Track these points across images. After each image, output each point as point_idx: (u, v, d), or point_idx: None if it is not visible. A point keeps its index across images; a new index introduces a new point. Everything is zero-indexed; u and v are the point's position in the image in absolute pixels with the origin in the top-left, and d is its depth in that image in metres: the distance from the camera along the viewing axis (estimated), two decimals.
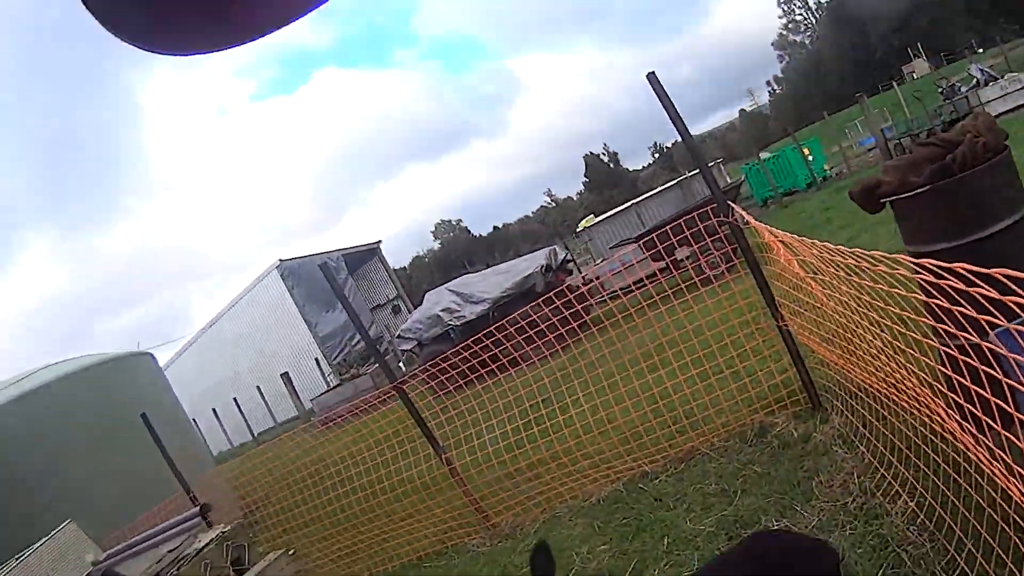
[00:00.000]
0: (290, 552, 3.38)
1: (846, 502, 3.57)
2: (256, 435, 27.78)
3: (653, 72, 4.55)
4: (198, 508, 4.02)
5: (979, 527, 2.71)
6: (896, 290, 2.24)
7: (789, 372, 4.72)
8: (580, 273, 11.21)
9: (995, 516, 2.60)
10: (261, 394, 28.52)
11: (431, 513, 6.24)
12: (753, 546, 2.46)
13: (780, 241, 3.72)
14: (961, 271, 1.76)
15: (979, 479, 2.70)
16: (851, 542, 3.29)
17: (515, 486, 5.94)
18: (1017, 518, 2.39)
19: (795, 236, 3.41)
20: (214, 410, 28.92)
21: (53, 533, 3.77)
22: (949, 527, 2.91)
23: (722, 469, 4.54)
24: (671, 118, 4.58)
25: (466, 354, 5.99)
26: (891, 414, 3.43)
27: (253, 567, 3.40)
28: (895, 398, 3.23)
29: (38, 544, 3.72)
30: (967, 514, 2.78)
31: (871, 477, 3.62)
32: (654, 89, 4.56)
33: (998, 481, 2.34)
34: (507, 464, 6.10)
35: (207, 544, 3.51)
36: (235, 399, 28.61)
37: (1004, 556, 2.53)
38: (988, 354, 1.90)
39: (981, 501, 2.71)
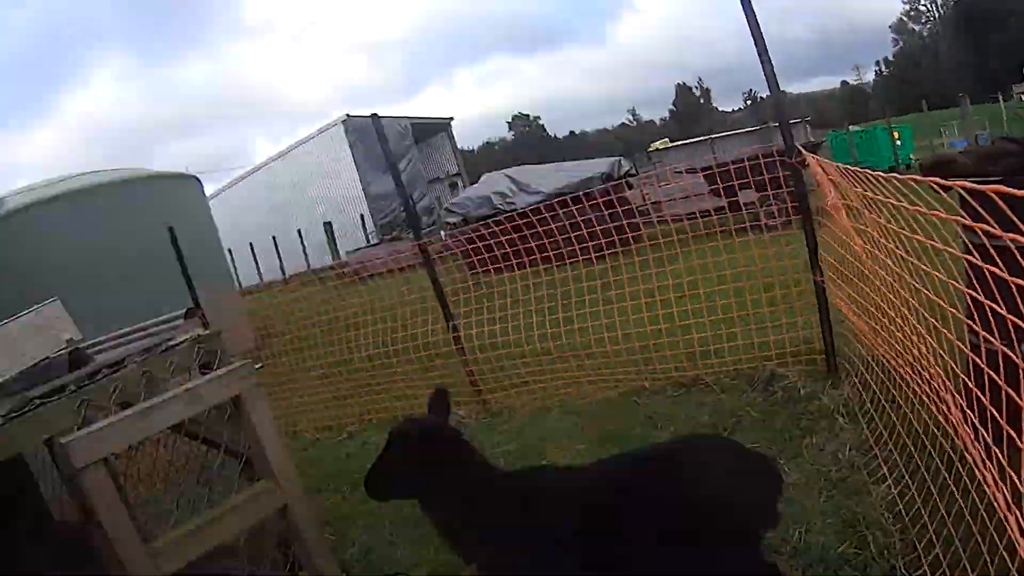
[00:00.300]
0: (257, 366, 3.31)
1: (831, 470, 3.50)
2: (287, 276, 28.07)
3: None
4: (185, 310, 3.94)
5: (953, 532, 2.62)
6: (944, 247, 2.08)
7: (814, 330, 4.57)
8: (640, 190, 10.88)
9: (973, 527, 2.51)
10: (301, 239, 28.62)
11: (428, 377, 6.30)
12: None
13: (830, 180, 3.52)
14: None
15: (968, 483, 2.59)
16: (822, 510, 3.23)
17: (514, 368, 5.94)
18: (995, 535, 2.28)
19: (846, 168, 3.18)
20: (251, 244, 28.73)
21: (36, 307, 3.77)
22: (924, 526, 2.83)
23: (720, 405, 4.48)
24: (758, 50, 4.29)
25: (503, 239, 5.90)
26: (901, 396, 3.29)
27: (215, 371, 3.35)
28: (909, 376, 3.09)
29: (20, 314, 3.72)
30: (945, 517, 2.70)
31: (863, 454, 3.54)
32: (744, 11, 4.26)
33: (986, 490, 2.23)
34: (512, 348, 6.07)
35: (180, 343, 3.46)
36: (273, 238, 28.62)
37: (968, 570, 2.43)
38: None
39: (963, 506, 2.61)
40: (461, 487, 2.68)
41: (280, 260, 27.94)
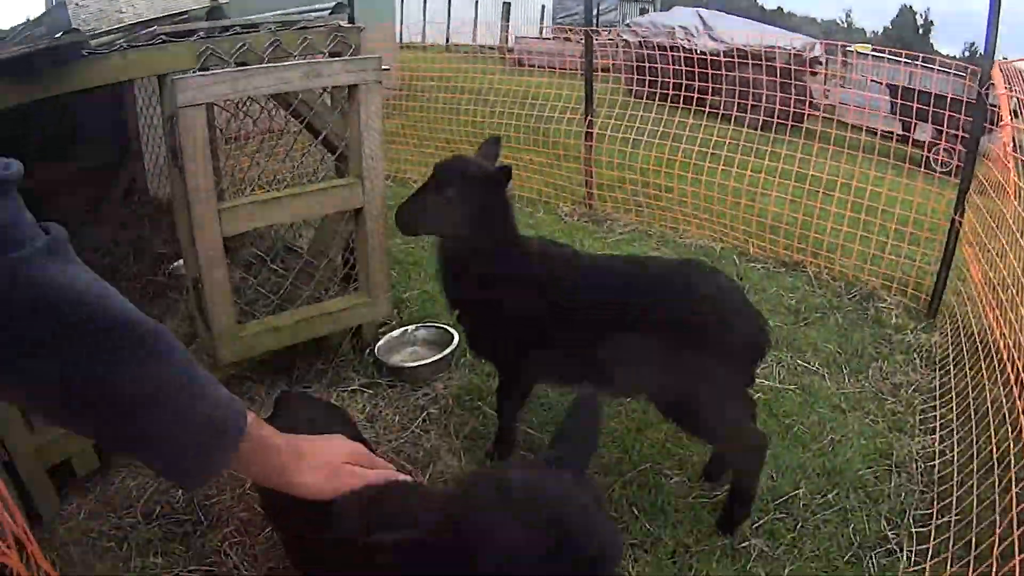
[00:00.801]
0: (384, 68, 3.24)
1: (887, 400, 3.45)
2: (449, 42, 26.85)
3: None
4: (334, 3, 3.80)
5: (975, 515, 2.59)
6: None
7: (930, 269, 4.33)
8: (822, 83, 10.00)
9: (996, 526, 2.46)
10: (476, 10, 27.17)
11: (546, 170, 6.25)
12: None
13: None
14: None
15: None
16: (861, 430, 3.24)
17: (632, 183, 5.85)
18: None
19: None
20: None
21: None
22: (948, 491, 2.82)
23: (810, 295, 4.40)
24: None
25: (670, 70, 5.60)
26: (989, 373, 3.16)
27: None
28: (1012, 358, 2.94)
29: None
30: (975, 499, 2.67)
31: (924, 401, 3.47)
32: None
33: None
34: (637, 168, 5.93)
35: (318, 25, 3.36)
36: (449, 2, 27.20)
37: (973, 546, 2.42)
38: None
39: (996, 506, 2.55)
40: (484, 234, 2.64)
41: (448, 25, 27.05)
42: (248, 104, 3.86)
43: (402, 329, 3.84)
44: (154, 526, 2.67)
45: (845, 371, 3.65)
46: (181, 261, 3.76)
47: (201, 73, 2.88)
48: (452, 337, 3.73)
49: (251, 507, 2.74)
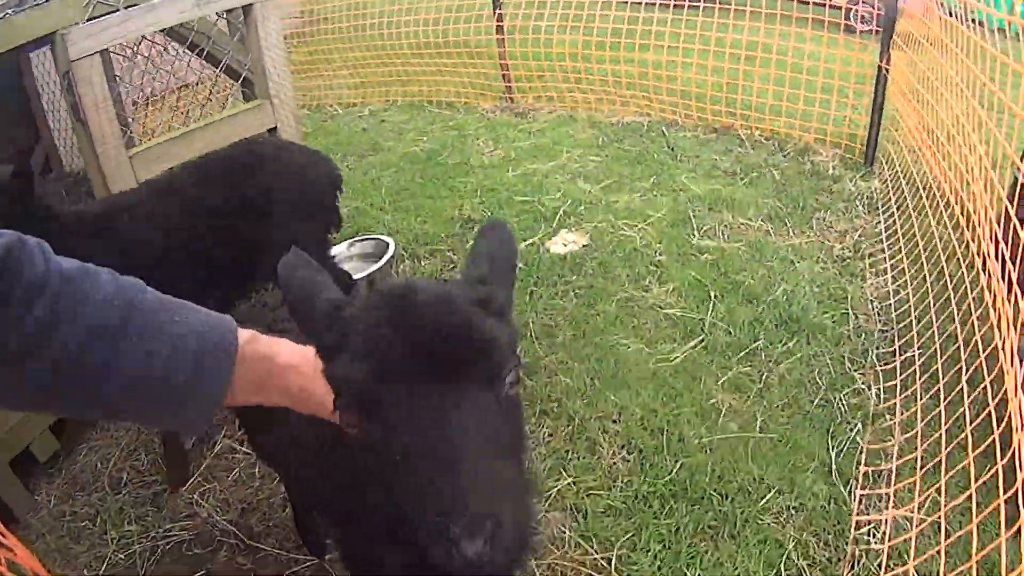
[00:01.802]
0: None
1: (835, 247, 3.27)
2: None
3: None
4: None
5: (937, 341, 2.47)
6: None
7: (861, 120, 4.12)
8: None
9: (962, 348, 2.35)
10: None
11: (462, 72, 5.86)
12: None
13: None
14: None
15: (972, 307, 2.41)
16: (813, 279, 3.08)
17: (551, 72, 5.48)
18: (984, 365, 2.08)
19: None
20: None
21: None
22: (908, 326, 2.66)
23: (745, 157, 4.16)
24: None
25: None
26: (932, 208, 3.00)
27: None
28: (948, 192, 2.78)
29: None
30: (935, 330, 2.56)
31: (872, 245, 3.29)
32: None
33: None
34: (553, 52, 5.56)
35: None
36: None
37: (940, 375, 2.25)
38: None
39: (959, 329, 2.44)
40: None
41: None
42: (150, 55, 3.54)
43: (336, 247, 3.50)
44: (123, 494, 2.49)
45: (788, 224, 3.45)
46: None
47: (90, 22, 2.61)
48: (387, 245, 3.41)
49: (211, 451, 2.59)
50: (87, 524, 2.39)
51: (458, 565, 0.71)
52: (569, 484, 2.21)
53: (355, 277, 3.11)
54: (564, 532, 2.07)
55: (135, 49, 3.45)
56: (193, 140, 2.94)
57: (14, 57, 3.74)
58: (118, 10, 2.66)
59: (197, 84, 4.00)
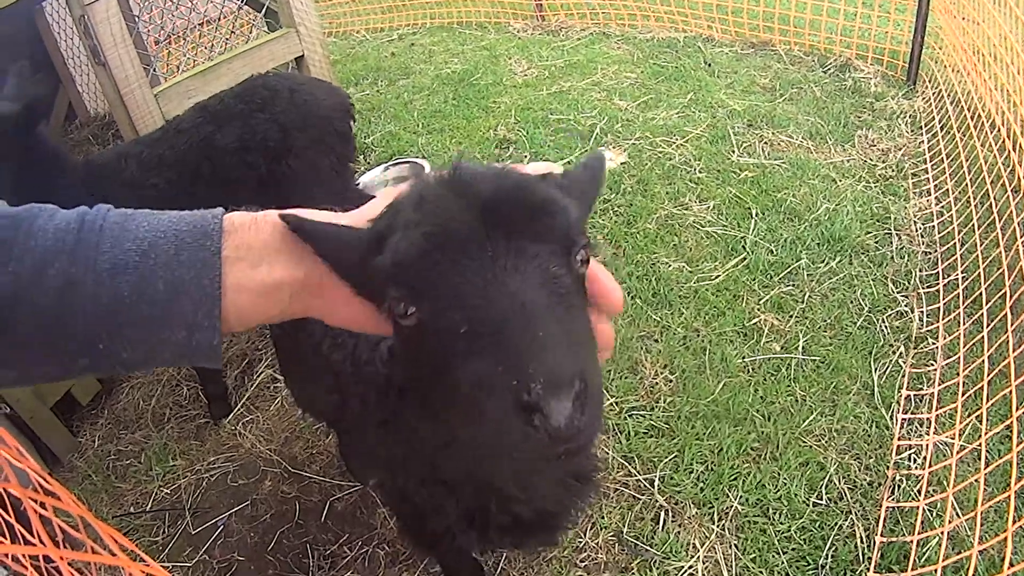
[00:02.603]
0: None
1: (877, 165, 3.09)
2: None
3: None
4: None
5: (982, 265, 2.31)
6: None
7: (904, 36, 3.85)
8: None
9: (1006, 273, 2.18)
10: None
11: None
12: None
13: None
14: None
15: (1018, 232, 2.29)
16: (855, 197, 2.92)
17: None
18: None
19: None
20: None
21: None
22: (952, 248, 2.52)
23: (784, 73, 3.92)
24: None
25: None
26: (977, 129, 2.81)
27: None
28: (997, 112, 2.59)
29: None
30: (979, 253, 2.43)
31: (915, 164, 3.11)
32: None
33: None
34: None
35: None
36: None
37: (984, 301, 2.12)
38: None
39: (1004, 253, 2.27)
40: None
41: None
42: None
43: (371, 172, 3.38)
44: (167, 430, 2.47)
45: (830, 142, 3.26)
46: None
47: None
48: (423, 169, 3.29)
49: (252, 382, 2.56)
50: (132, 462, 2.39)
51: (542, 438, 0.57)
52: (611, 404, 2.15)
53: None
54: (607, 453, 2.02)
55: None
56: (220, 73, 2.83)
57: (27, 6, 3.60)
58: None
59: (220, 19, 3.81)
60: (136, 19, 3.33)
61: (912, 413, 2.06)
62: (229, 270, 0.65)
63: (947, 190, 2.84)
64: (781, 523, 1.81)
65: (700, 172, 3.11)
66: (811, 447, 1.97)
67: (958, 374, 2.07)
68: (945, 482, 1.81)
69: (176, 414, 2.52)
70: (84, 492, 2.31)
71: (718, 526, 1.83)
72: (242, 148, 2.31)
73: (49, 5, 4.30)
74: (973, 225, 2.53)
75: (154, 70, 2.96)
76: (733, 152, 3.21)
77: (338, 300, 0.73)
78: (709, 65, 4.06)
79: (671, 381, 2.19)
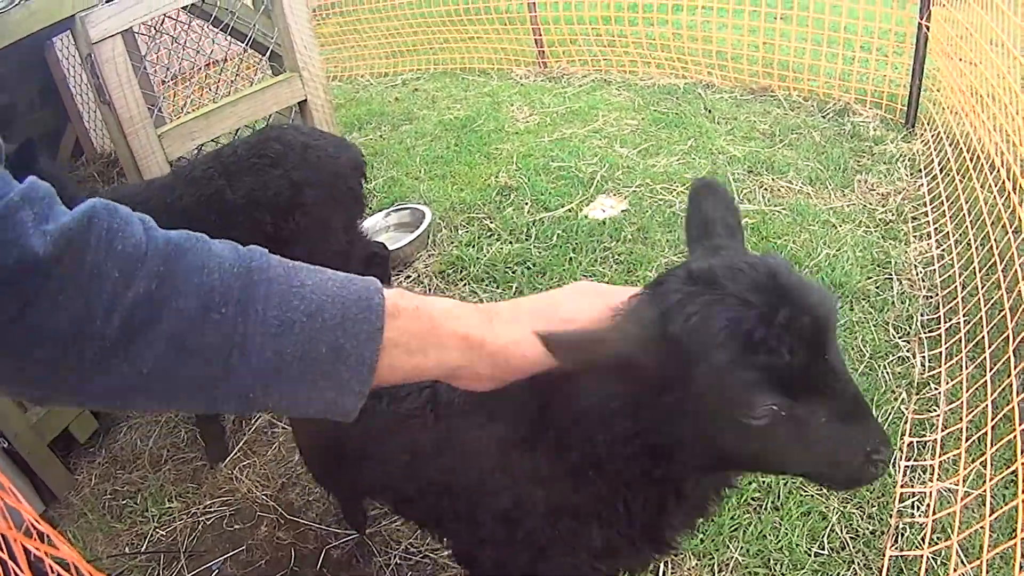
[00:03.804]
0: None
1: (877, 210, 3.16)
2: None
3: None
4: None
5: (983, 309, 2.35)
6: None
7: (902, 79, 3.95)
8: None
9: (1008, 317, 2.23)
10: None
11: (494, 35, 5.73)
12: None
13: None
14: None
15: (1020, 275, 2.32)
16: (856, 242, 2.97)
17: (584, 35, 5.35)
18: None
19: None
20: None
21: None
22: (952, 292, 2.57)
23: (783, 118, 4.02)
24: None
25: None
26: (976, 172, 2.89)
27: None
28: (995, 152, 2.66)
29: None
30: (981, 297, 2.45)
31: (915, 208, 3.18)
32: None
33: None
34: (586, 16, 5.44)
35: None
36: None
37: (987, 345, 2.16)
38: None
39: (1006, 296, 2.30)
40: None
41: None
42: (177, 31, 3.57)
43: (372, 218, 3.46)
44: (164, 471, 2.51)
45: (830, 187, 3.33)
46: None
47: (109, 2, 2.56)
48: (424, 215, 3.38)
49: (250, 427, 2.60)
50: (128, 502, 2.42)
51: (877, 474, 0.86)
52: None
53: (393, 247, 3.08)
54: None
55: (158, 28, 3.43)
56: (223, 116, 2.90)
57: (38, 40, 3.73)
58: None
59: (225, 61, 3.95)
60: (143, 59, 3.47)
61: (915, 460, 2.09)
62: (388, 351, 0.72)
63: (947, 233, 2.90)
64: (782, 574, 1.83)
65: None
66: (812, 496, 1.99)
67: (961, 419, 2.09)
68: (949, 529, 1.83)
69: (173, 456, 2.56)
70: (80, 530, 2.35)
71: None
72: (251, 203, 2.37)
73: (59, 41, 4.44)
74: (974, 268, 2.57)
75: (159, 110, 3.06)
76: (733, 199, 3.27)
77: (484, 379, 0.82)
78: (709, 111, 4.16)
79: None
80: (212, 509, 2.32)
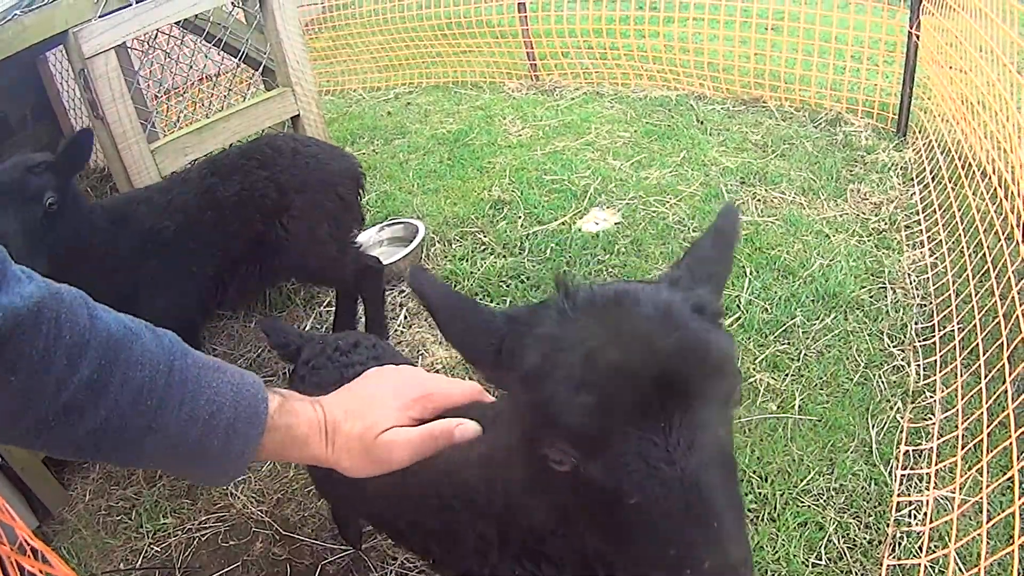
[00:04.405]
0: None
1: (870, 219, 3.18)
2: None
3: None
4: None
5: (977, 316, 2.39)
6: None
7: (893, 88, 4.00)
8: None
9: (1002, 323, 2.25)
10: None
11: (486, 48, 5.75)
12: None
13: None
14: None
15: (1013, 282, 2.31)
16: (849, 252, 3.00)
17: (575, 48, 5.40)
18: None
19: None
20: None
21: None
22: (946, 300, 2.59)
23: (775, 129, 4.06)
24: None
25: None
26: (968, 179, 2.92)
27: None
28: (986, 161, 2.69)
29: None
30: (975, 305, 2.48)
31: (907, 216, 3.21)
32: None
33: None
34: (577, 29, 5.51)
35: None
36: None
37: (981, 351, 2.18)
38: None
39: (999, 303, 2.34)
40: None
41: None
42: (170, 46, 3.62)
43: (366, 233, 3.48)
44: (158, 487, 2.50)
45: (823, 197, 3.37)
46: None
47: (102, 17, 2.59)
48: (417, 230, 3.40)
49: None
50: (122, 518, 2.42)
51: None
52: None
53: (386, 262, 3.09)
54: None
55: (151, 42, 3.45)
56: (216, 131, 2.95)
57: (31, 55, 3.75)
58: (130, 4, 2.65)
59: (218, 76, 3.98)
60: (136, 74, 3.49)
61: (911, 469, 2.11)
62: (267, 447, 0.87)
63: (940, 241, 2.93)
64: None
65: (694, 231, 3.20)
66: (809, 507, 2.01)
67: (957, 427, 2.11)
68: (947, 537, 1.84)
69: (168, 472, 2.57)
70: (74, 546, 2.35)
71: None
72: (240, 202, 2.45)
73: (52, 56, 4.45)
74: (968, 275, 2.60)
75: (152, 125, 3.08)
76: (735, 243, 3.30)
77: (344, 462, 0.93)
78: (701, 123, 4.21)
79: None
80: (207, 525, 2.32)
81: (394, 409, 0.90)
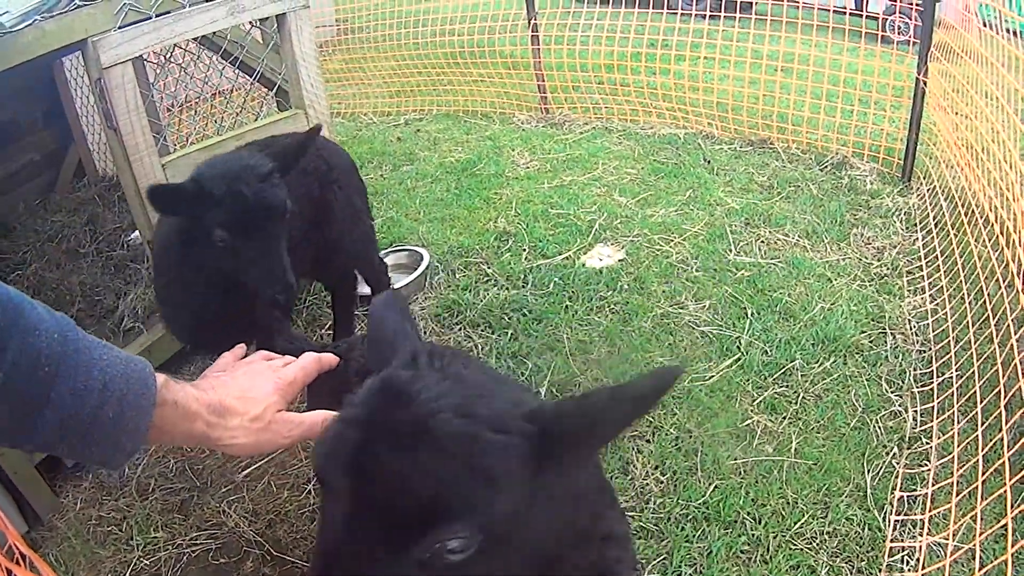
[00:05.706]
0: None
1: (872, 264, 3.26)
2: None
3: None
4: None
5: (976, 365, 2.43)
6: None
7: (899, 133, 4.09)
8: None
9: (1000, 373, 2.31)
10: None
11: (497, 79, 5.89)
12: None
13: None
14: None
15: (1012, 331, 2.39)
16: (850, 296, 3.07)
17: (586, 83, 5.52)
18: None
19: None
20: None
21: None
22: (945, 347, 2.65)
23: (781, 170, 4.15)
24: None
25: None
26: (971, 226, 3.00)
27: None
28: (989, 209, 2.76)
29: None
30: (974, 353, 2.53)
31: (909, 263, 3.28)
32: None
33: None
34: (589, 64, 5.63)
35: None
36: None
37: (979, 400, 2.24)
38: None
39: (998, 353, 2.40)
40: None
41: None
42: (186, 61, 3.64)
43: None
44: (151, 500, 2.54)
45: (826, 240, 3.44)
46: (137, 232, 3.56)
47: (121, 29, 2.63)
48: (422, 257, 3.48)
49: (241, 462, 2.64)
50: (113, 529, 2.45)
51: None
52: None
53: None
54: None
55: (168, 56, 3.54)
56: (227, 148, 2.99)
57: (48, 59, 3.84)
58: (150, 17, 2.70)
59: (231, 92, 4.07)
60: (151, 86, 3.57)
61: (905, 514, 2.15)
62: (157, 423, 0.90)
63: (942, 287, 3.00)
64: None
65: (697, 271, 3.28)
66: (802, 550, 2.05)
67: (952, 473, 2.16)
68: None
69: (161, 486, 2.60)
70: (62, 554, 2.38)
71: None
72: (303, 171, 2.53)
73: (68, 61, 4.52)
74: (968, 322, 2.66)
75: (164, 139, 3.15)
76: (730, 251, 3.39)
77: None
78: (708, 162, 4.30)
79: (662, 482, 2.29)
80: (198, 541, 2.35)
81: (274, 394, 1.03)
